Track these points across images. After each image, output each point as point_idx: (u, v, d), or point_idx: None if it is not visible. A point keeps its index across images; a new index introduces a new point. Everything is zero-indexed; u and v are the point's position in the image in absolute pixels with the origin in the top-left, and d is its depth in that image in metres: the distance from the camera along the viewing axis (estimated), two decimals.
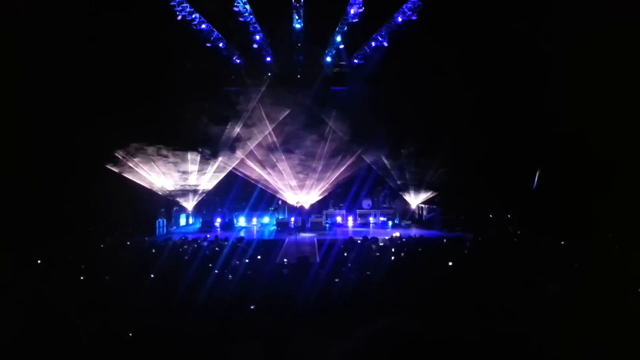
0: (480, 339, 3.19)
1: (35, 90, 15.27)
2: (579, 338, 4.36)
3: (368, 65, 21.28)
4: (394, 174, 20.07)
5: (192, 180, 19.20)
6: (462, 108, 17.50)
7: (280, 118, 19.00)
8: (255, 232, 18.32)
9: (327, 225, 19.23)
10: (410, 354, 2.53)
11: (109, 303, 5.89)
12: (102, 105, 16.14)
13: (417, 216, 20.47)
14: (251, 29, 20.25)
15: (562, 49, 16.11)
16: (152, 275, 7.91)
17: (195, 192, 19.44)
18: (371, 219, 19.83)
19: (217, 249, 11.11)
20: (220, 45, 20.51)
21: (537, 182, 17.71)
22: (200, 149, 18.89)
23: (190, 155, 18.83)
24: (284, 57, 20.84)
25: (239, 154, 19.07)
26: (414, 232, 16.48)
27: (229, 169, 19.29)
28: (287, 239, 15.73)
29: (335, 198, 20.88)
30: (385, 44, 20.67)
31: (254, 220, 19.67)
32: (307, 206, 20.16)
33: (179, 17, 19.05)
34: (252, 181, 19.60)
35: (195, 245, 11.94)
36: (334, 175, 19.59)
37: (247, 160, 19.25)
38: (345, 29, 20.60)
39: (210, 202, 20.31)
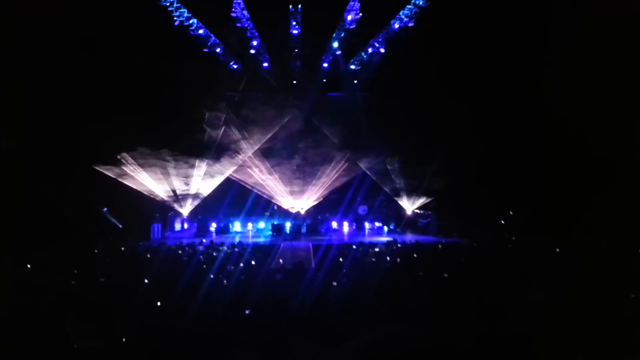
0: (476, 347, 3.20)
1: (33, 94, 15.22)
2: (572, 343, 4.37)
3: (365, 71, 21.36)
4: (389, 179, 20.10)
5: (188, 185, 19.13)
6: (459, 114, 17.55)
7: (277, 123, 19.01)
8: (250, 237, 18.27)
9: (323, 230, 19.22)
10: None
11: (103, 308, 5.84)
12: (98, 111, 16.06)
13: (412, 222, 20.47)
14: (249, 34, 20.31)
15: (559, 50, 16.19)
16: (146, 281, 7.86)
17: (190, 197, 19.36)
18: (367, 225, 19.83)
19: (214, 254, 11.07)
20: (218, 50, 20.55)
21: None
22: (196, 154, 18.81)
23: (185, 161, 18.77)
24: (281, 62, 20.87)
25: (235, 159, 19.04)
26: (410, 237, 16.49)
27: (226, 174, 19.25)
28: (282, 244, 15.70)
29: (331, 204, 20.87)
30: (382, 50, 20.77)
31: (249, 225, 19.64)
32: (302, 212, 20.16)
33: (177, 23, 19.07)
34: (248, 186, 19.59)
35: (191, 250, 11.88)
36: (329, 181, 19.60)
37: (243, 165, 19.24)
38: (343, 35, 20.70)
39: (206, 207, 20.25)
